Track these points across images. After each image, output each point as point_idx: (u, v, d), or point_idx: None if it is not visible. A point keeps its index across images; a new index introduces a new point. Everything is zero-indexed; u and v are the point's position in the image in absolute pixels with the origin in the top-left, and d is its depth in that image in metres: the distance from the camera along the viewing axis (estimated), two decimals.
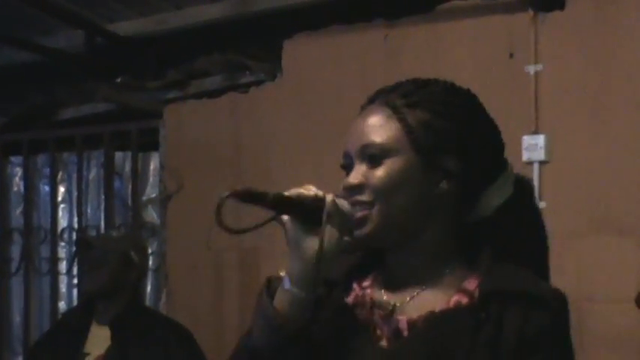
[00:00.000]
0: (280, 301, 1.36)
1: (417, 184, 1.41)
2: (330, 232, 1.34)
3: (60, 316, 4.61)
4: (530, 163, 3.65)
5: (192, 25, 4.30)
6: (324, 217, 1.34)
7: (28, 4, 4.07)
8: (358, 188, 1.40)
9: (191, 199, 4.34)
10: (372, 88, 4.46)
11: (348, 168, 1.44)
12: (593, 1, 3.62)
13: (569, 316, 1.43)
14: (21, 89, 4.88)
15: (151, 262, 4.40)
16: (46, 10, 4.19)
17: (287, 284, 1.36)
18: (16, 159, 5.09)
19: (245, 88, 4.31)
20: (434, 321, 1.39)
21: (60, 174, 4.99)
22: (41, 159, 5.03)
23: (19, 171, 5.08)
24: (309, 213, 1.35)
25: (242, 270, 4.25)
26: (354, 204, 1.39)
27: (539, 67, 3.67)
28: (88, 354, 3.19)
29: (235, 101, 4.30)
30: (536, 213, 1.52)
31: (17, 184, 5.10)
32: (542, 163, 3.65)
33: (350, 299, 1.47)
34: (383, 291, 1.46)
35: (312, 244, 1.34)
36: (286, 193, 1.36)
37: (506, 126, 4.26)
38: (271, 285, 1.39)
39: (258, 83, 4.27)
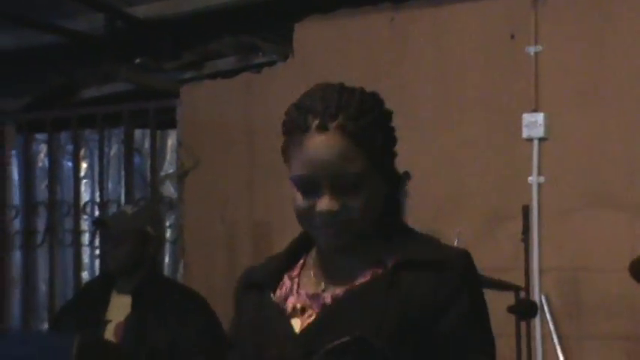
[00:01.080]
0: None
1: (380, 196, 1.49)
2: None
3: (83, 286, 4.63)
4: (529, 139, 3.66)
5: (207, 8, 4.30)
6: None
7: None
8: (338, 214, 1.44)
9: (206, 174, 4.35)
10: (378, 69, 4.44)
11: (310, 191, 1.46)
12: None
13: (476, 271, 1.48)
14: (44, 70, 4.88)
15: (168, 235, 4.42)
16: None
17: None
18: (40, 136, 5.09)
19: (257, 68, 4.32)
20: (352, 292, 1.46)
21: (82, 151, 4.98)
22: (64, 136, 5.03)
23: (43, 148, 5.08)
24: None
25: (254, 241, 4.26)
26: (329, 226, 1.45)
27: (539, 48, 3.68)
28: (109, 320, 3.20)
29: (248, 81, 4.30)
30: (400, 200, 1.59)
31: (42, 160, 5.10)
32: (541, 139, 3.66)
33: (281, 291, 1.54)
34: (312, 273, 1.53)
35: None
36: None
37: (507, 104, 4.29)
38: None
39: (270, 64, 4.27)
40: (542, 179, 3.65)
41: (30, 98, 5.01)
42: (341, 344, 1.40)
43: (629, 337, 3.35)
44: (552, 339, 3.34)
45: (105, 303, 3.25)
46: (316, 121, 1.46)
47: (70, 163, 5.00)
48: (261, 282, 1.56)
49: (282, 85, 4.16)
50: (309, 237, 1.55)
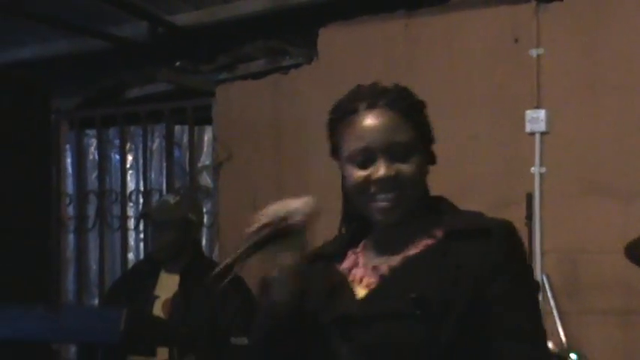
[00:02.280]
0: (270, 305, 1.47)
1: (425, 172, 1.51)
2: (301, 244, 1.45)
3: (131, 266, 4.64)
4: (532, 134, 3.64)
5: (240, 16, 4.29)
6: (300, 244, 1.44)
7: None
8: (393, 180, 1.44)
9: (239, 166, 4.35)
10: (394, 70, 4.41)
11: (365, 162, 1.46)
12: None
13: (520, 239, 1.47)
14: (94, 73, 4.89)
15: (205, 220, 4.42)
16: (115, 3, 4.20)
17: (276, 293, 1.45)
18: (91, 132, 5.11)
19: (285, 70, 4.29)
20: (407, 261, 1.46)
21: (128, 145, 5.00)
22: (112, 132, 5.04)
23: (93, 142, 5.10)
24: (285, 235, 1.44)
25: None
26: (379, 194, 1.45)
27: (541, 50, 3.65)
28: (157, 296, 3.20)
29: (277, 82, 4.28)
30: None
31: (92, 153, 5.12)
32: (542, 134, 3.63)
33: (346, 264, 1.54)
34: (371, 250, 1.53)
35: (290, 258, 1.44)
36: (259, 238, 1.44)
37: (511, 101, 4.26)
38: (265, 285, 1.47)
39: (297, 66, 4.25)
40: (543, 170, 3.63)
41: (81, 98, 5.03)
42: (401, 305, 1.40)
43: (622, 312, 3.34)
44: (553, 315, 3.32)
45: (154, 280, 3.23)
46: (364, 103, 1.48)
47: (117, 156, 5.02)
48: (329, 254, 1.57)
49: (308, 85, 4.15)
50: (366, 224, 1.55)
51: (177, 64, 4.63)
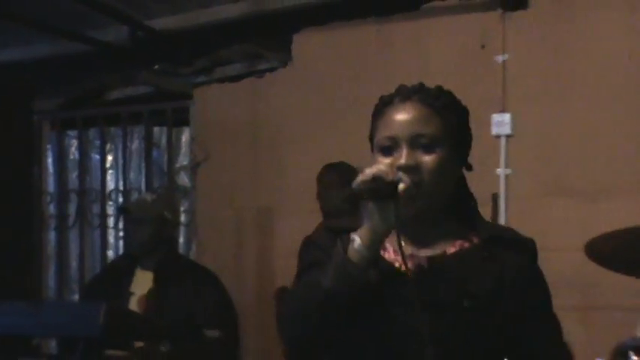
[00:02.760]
0: (351, 256, 1.39)
1: (451, 170, 1.48)
2: (398, 212, 1.38)
3: (109, 262, 4.63)
4: (498, 136, 3.65)
5: (217, 21, 4.26)
6: (398, 202, 1.38)
7: (81, 3, 4.03)
8: (414, 169, 1.42)
9: (216, 166, 4.33)
10: (366, 74, 4.40)
11: (390, 149, 1.46)
12: (550, 2, 3.61)
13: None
14: (75, 75, 4.86)
15: (183, 218, 4.39)
16: (96, 8, 4.16)
17: (358, 245, 1.39)
18: (72, 132, 5.06)
19: (261, 73, 4.28)
20: (448, 257, 1.47)
21: (108, 145, 4.96)
22: (92, 133, 5.00)
23: (74, 142, 5.06)
24: (382, 194, 1.38)
25: (258, 225, 4.24)
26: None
27: (506, 56, 3.66)
28: (133, 293, 3.19)
29: (253, 85, 4.27)
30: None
31: (73, 153, 5.08)
32: (508, 136, 3.65)
33: (386, 254, 1.50)
34: (409, 243, 1.49)
35: (382, 217, 1.38)
36: (367, 186, 1.37)
37: (478, 106, 4.22)
38: (342, 243, 1.41)
39: (272, 70, 4.24)
40: (508, 171, 3.65)
41: (63, 99, 4.99)
42: (451, 295, 1.42)
43: (582, 308, 3.36)
44: None
45: (130, 277, 3.23)
46: (400, 97, 1.50)
47: (97, 156, 4.98)
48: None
49: (283, 88, 4.14)
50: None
51: (157, 67, 4.62)
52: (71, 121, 4.99)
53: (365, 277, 1.39)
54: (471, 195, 1.56)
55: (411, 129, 1.45)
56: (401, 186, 1.38)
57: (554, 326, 1.53)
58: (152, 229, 3.22)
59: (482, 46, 3.69)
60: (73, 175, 5.05)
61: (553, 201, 3.54)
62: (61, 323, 2.81)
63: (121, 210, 4.11)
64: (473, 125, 4.04)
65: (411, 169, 1.42)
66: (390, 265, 1.47)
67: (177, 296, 3.12)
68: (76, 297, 4.92)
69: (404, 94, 1.50)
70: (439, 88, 1.53)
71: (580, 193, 3.50)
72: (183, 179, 4.72)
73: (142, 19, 4.38)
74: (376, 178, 1.37)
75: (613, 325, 2.97)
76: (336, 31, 4.01)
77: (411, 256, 1.46)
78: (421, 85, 1.52)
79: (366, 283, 1.39)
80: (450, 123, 1.48)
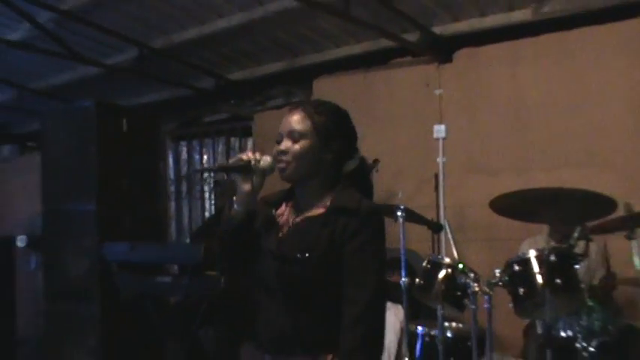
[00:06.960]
0: (232, 212, 1.35)
1: (313, 154, 1.35)
2: (254, 181, 1.32)
3: (205, 220, 4.64)
4: (437, 139, 3.62)
5: (267, 73, 4.29)
6: (254, 175, 1.32)
7: (187, 65, 4.03)
8: (285, 152, 1.35)
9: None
10: (356, 105, 4.47)
11: (280, 140, 1.37)
12: (466, 58, 3.60)
13: (378, 220, 1.31)
14: (184, 108, 4.82)
15: None
16: (195, 68, 4.16)
17: (235, 205, 1.34)
18: (182, 142, 5.05)
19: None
20: (303, 221, 1.36)
21: (204, 150, 4.96)
22: (195, 142, 5.00)
23: (184, 148, 5.02)
24: (245, 170, 1.32)
25: None
26: (279, 161, 1.35)
27: (442, 90, 3.63)
28: None
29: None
30: (366, 173, 1.45)
31: (183, 155, 5.05)
32: (443, 139, 3.62)
33: (279, 211, 1.42)
34: (293, 209, 1.41)
35: (246, 186, 1.32)
36: (230, 163, 1.32)
37: (425, 120, 4.22)
38: (230, 206, 1.37)
39: None
40: (444, 159, 3.62)
41: (177, 123, 5.00)
42: (294, 252, 1.31)
43: (488, 240, 3.34)
44: (450, 242, 3.28)
45: (218, 228, 3.26)
46: (290, 107, 1.41)
47: (197, 156, 4.99)
48: (272, 202, 1.44)
49: None
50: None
51: (232, 102, 4.63)
52: (182, 135, 5.02)
53: (234, 223, 1.32)
54: (348, 175, 1.37)
55: (289, 127, 1.35)
56: (254, 163, 1.30)
57: (362, 270, 1.26)
58: (228, 196, 3.23)
59: (427, 84, 3.67)
60: (184, 168, 5.09)
61: (471, 177, 3.51)
62: (179, 255, 2.90)
63: (215, 184, 4.14)
64: (422, 132, 3.96)
65: (282, 153, 1.34)
66: (273, 219, 1.38)
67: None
68: (187, 241, 4.96)
69: (294, 105, 1.38)
70: (319, 101, 1.39)
71: (487, 171, 3.46)
72: None
73: (222, 73, 4.44)
74: (239, 159, 1.31)
75: (507, 250, 2.81)
76: (341, 77, 3.97)
77: (289, 219, 1.37)
78: (308, 100, 1.42)
79: (238, 226, 1.31)
80: (322, 125, 1.34)
